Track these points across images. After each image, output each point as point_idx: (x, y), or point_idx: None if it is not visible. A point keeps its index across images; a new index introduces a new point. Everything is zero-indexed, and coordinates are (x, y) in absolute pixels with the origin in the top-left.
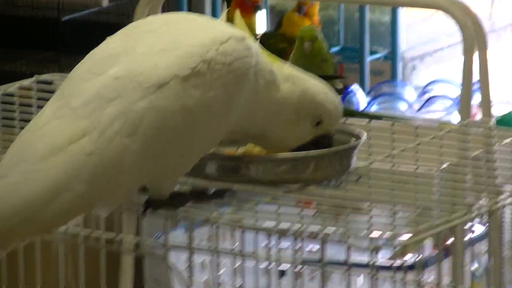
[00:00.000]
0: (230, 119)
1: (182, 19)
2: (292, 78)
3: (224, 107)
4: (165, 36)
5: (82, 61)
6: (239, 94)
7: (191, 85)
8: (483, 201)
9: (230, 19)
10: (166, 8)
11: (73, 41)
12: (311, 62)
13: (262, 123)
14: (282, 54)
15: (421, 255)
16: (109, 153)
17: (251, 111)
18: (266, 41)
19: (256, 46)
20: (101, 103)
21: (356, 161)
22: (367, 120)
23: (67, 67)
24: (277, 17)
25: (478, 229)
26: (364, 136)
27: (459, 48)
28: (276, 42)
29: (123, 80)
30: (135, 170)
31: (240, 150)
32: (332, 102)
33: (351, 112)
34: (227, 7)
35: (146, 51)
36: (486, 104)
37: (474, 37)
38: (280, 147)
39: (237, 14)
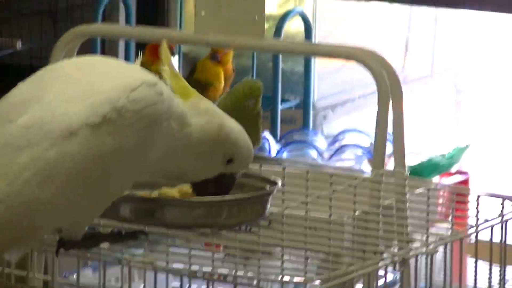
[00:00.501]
0: (144, 164)
1: (95, 63)
2: (209, 112)
3: (136, 153)
4: (77, 82)
5: None
6: (151, 140)
7: (102, 132)
8: (393, 249)
9: (143, 65)
10: (81, 52)
11: None
12: (243, 115)
13: (180, 163)
14: None
15: None
16: (18, 202)
17: (168, 153)
18: None
19: (168, 90)
20: (10, 151)
21: (270, 207)
22: (282, 167)
23: None
24: (190, 64)
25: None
26: (279, 183)
27: (371, 98)
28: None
29: (33, 129)
30: (46, 218)
31: (154, 193)
32: (245, 144)
33: (263, 158)
34: (141, 52)
35: (56, 98)
36: (399, 154)
37: (389, 87)
38: (186, 179)
39: (164, 46)
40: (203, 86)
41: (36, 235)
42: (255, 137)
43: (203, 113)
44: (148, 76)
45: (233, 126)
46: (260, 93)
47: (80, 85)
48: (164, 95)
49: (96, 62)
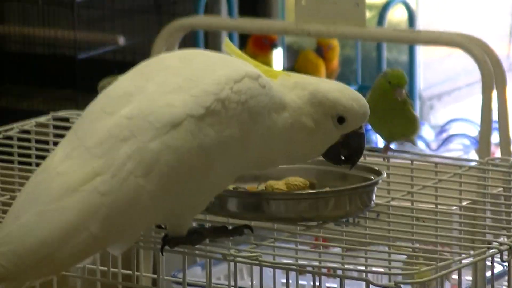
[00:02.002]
0: (247, 156)
1: (196, 55)
2: (299, 84)
3: (240, 144)
4: (179, 73)
5: (95, 100)
6: (255, 131)
7: (206, 124)
8: (502, 239)
9: (247, 56)
10: (183, 46)
11: (89, 79)
12: (394, 102)
13: (283, 148)
14: None
15: None
16: (123, 193)
17: (270, 142)
18: None
19: (269, 82)
20: (114, 143)
21: (376, 199)
22: (387, 157)
23: (83, 105)
24: (294, 55)
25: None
26: (384, 173)
27: (477, 87)
28: None
29: (136, 120)
30: (150, 210)
31: (261, 186)
32: (350, 97)
33: (368, 149)
34: (244, 44)
35: (158, 90)
36: (505, 142)
37: (492, 75)
38: (310, 156)
39: (226, 41)
40: None
41: (139, 227)
42: (409, 125)
43: (292, 88)
44: (250, 68)
45: (329, 86)
46: (405, 81)
47: (182, 76)
48: (267, 87)
49: (196, 54)
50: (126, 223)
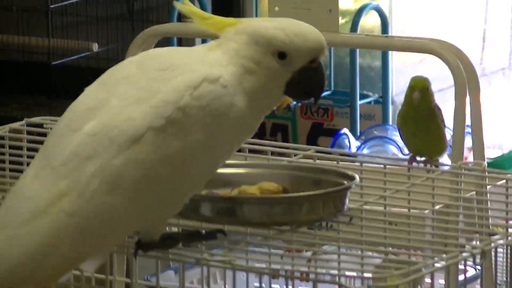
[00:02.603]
0: (215, 155)
1: (154, 59)
2: (239, 30)
3: (206, 148)
4: (138, 83)
5: (62, 115)
6: (222, 131)
7: (168, 134)
8: (475, 242)
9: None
10: None
11: (63, 85)
12: (418, 113)
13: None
14: None
15: None
16: (90, 212)
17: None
18: None
19: (232, 75)
20: (79, 161)
21: (349, 203)
22: (359, 162)
23: (58, 111)
24: None
25: (470, 271)
26: (357, 178)
27: (451, 92)
28: None
29: (98, 137)
30: (119, 225)
31: (235, 191)
32: (291, 32)
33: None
34: None
35: (119, 103)
36: (479, 146)
37: (465, 80)
38: (272, 102)
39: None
40: None
41: (110, 243)
42: (433, 142)
43: (232, 37)
44: (210, 69)
45: (268, 24)
46: (424, 86)
47: (141, 86)
48: (228, 86)
49: (155, 57)
50: (96, 241)
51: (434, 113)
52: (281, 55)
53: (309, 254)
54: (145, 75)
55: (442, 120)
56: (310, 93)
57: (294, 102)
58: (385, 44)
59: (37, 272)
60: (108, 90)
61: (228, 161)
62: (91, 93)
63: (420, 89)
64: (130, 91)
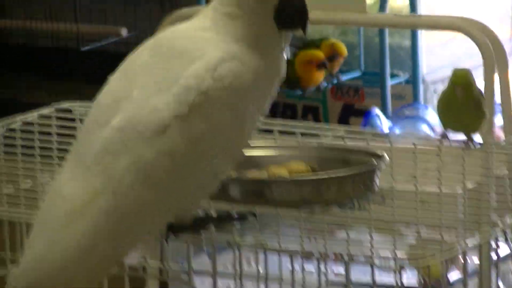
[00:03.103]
0: (244, 133)
1: (164, 47)
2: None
3: (234, 127)
4: (158, 71)
5: (90, 110)
6: (246, 105)
7: (193, 119)
8: (508, 219)
9: None
10: None
11: (92, 71)
12: (464, 108)
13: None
14: None
15: (446, 276)
16: (126, 208)
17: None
18: None
19: (248, 53)
20: (110, 158)
21: (379, 183)
22: (389, 142)
23: (87, 97)
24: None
25: (504, 249)
26: (386, 157)
27: (480, 70)
28: None
29: (127, 132)
30: (156, 217)
31: (264, 173)
32: None
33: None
34: None
35: (142, 94)
36: (508, 124)
37: (494, 58)
38: (267, 37)
39: None
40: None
41: (149, 234)
42: (471, 124)
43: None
44: (226, 47)
45: None
46: (465, 80)
47: (160, 75)
48: (247, 63)
49: (163, 44)
50: (135, 235)
51: (478, 104)
52: None
53: (341, 235)
54: (161, 64)
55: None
56: (293, 19)
57: (325, 83)
58: (413, 23)
59: (80, 273)
60: (129, 79)
61: (257, 143)
62: (114, 84)
63: (462, 85)
64: (150, 81)
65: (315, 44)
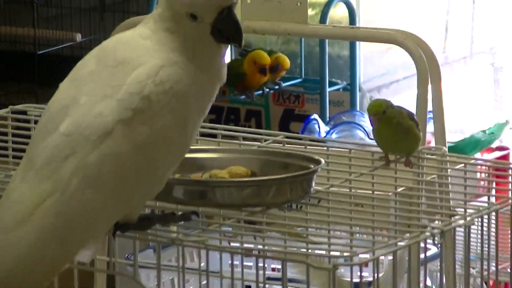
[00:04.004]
0: (187, 133)
1: (109, 56)
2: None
3: (177, 127)
4: (102, 80)
5: (41, 116)
6: (188, 109)
7: (137, 124)
8: (436, 223)
9: None
10: None
11: (49, 73)
12: (391, 135)
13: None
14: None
15: (377, 273)
16: (74, 209)
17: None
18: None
19: (186, 59)
20: (58, 162)
21: (316, 185)
22: (326, 147)
23: (43, 99)
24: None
25: (432, 249)
26: (323, 162)
27: (414, 80)
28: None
29: (74, 136)
30: (103, 217)
31: (206, 175)
32: None
33: (307, 139)
34: None
35: (88, 100)
36: (440, 132)
37: (427, 69)
38: (207, 51)
39: None
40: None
41: (97, 235)
42: (405, 148)
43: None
44: (167, 56)
45: None
46: (377, 111)
47: (105, 82)
48: (185, 68)
49: (108, 53)
50: (83, 236)
51: (408, 128)
52: (193, 16)
53: (278, 234)
54: (106, 72)
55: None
56: (229, 37)
57: (268, 89)
58: (351, 35)
59: (31, 274)
60: (77, 86)
61: (200, 146)
62: (63, 91)
63: (373, 114)
64: (96, 88)
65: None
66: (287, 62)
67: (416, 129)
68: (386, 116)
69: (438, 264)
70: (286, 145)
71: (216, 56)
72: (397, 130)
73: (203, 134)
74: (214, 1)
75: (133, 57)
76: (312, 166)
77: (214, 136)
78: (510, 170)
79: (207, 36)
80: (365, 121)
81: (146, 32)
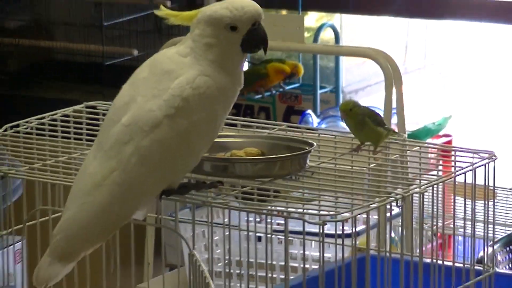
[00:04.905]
0: (216, 124)
1: (158, 66)
2: (202, 17)
3: (208, 121)
4: (153, 84)
5: (109, 108)
6: (216, 108)
7: (178, 118)
8: (399, 191)
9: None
10: None
11: (113, 78)
12: (359, 128)
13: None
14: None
15: (355, 227)
16: (132, 180)
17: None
18: None
19: (217, 72)
20: (120, 146)
21: (310, 162)
22: (317, 134)
23: (109, 96)
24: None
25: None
26: (315, 145)
27: (383, 85)
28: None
29: (131, 126)
30: (153, 186)
31: (227, 154)
32: (233, 8)
33: (304, 128)
34: None
35: (142, 99)
36: (401, 123)
37: (392, 77)
38: (236, 60)
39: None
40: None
41: (149, 199)
42: (374, 138)
43: (196, 26)
44: (201, 68)
45: (215, 7)
46: (345, 108)
47: (155, 86)
48: (215, 76)
49: (158, 64)
50: (139, 200)
51: (364, 123)
52: (232, 28)
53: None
54: (155, 78)
55: (378, 121)
56: (258, 46)
57: (275, 91)
58: (336, 51)
59: (101, 228)
60: (134, 88)
61: (224, 133)
62: (124, 91)
63: (342, 110)
64: (148, 90)
65: (280, 60)
66: (301, 70)
67: (373, 124)
68: (352, 113)
69: (400, 221)
70: (288, 132)
71: (239, 64)
72: (359, 124)
73: (226, 124)
74: (251, 14)
75: (175, 68)
76: (307, 148)
77: (234, 125)
78: (452, 152)
79: (237, 46)
80: None
81: (185, 50)
